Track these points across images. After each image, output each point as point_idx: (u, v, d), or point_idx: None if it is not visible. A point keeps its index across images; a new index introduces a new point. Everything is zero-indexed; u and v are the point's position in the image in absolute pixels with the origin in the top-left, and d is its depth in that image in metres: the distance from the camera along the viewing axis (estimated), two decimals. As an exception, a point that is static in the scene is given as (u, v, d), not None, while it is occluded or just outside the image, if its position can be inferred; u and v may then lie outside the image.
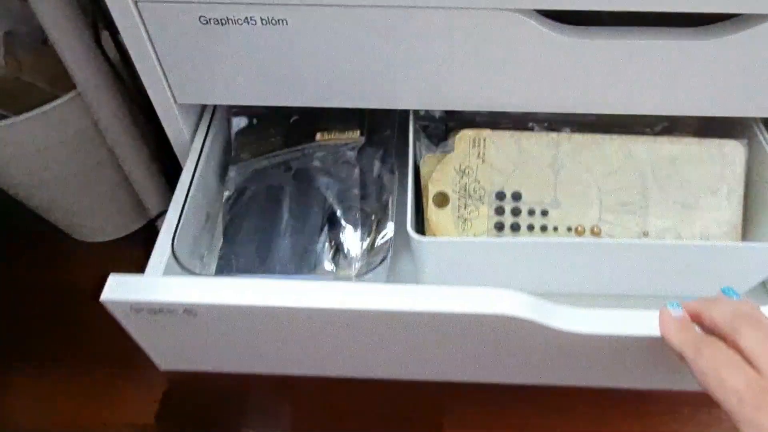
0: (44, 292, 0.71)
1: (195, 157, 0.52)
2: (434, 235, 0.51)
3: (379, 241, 0.46)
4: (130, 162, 0.72)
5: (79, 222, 0.81)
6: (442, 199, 0.51)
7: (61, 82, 0.63)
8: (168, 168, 0.63)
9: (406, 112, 0.54)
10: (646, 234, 0.51)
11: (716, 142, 0.52)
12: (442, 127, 0.59)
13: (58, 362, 0.62)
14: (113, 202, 0.81)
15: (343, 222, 0.48)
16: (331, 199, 0.49)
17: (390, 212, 0.48)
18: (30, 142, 0.63)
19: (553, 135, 0.52)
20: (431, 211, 0.51)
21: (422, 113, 0.58)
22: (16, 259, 0.76)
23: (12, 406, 0.60)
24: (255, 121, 0.58)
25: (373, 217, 0.48)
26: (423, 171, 0.53)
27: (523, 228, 0.51)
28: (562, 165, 0.51)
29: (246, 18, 0.43)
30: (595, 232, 0.51)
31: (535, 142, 0.52)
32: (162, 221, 0.47)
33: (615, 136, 0.52)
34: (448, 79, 0.46)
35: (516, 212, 0.51)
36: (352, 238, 0.47)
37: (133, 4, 0.42)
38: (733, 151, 0.51)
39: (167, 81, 0.48)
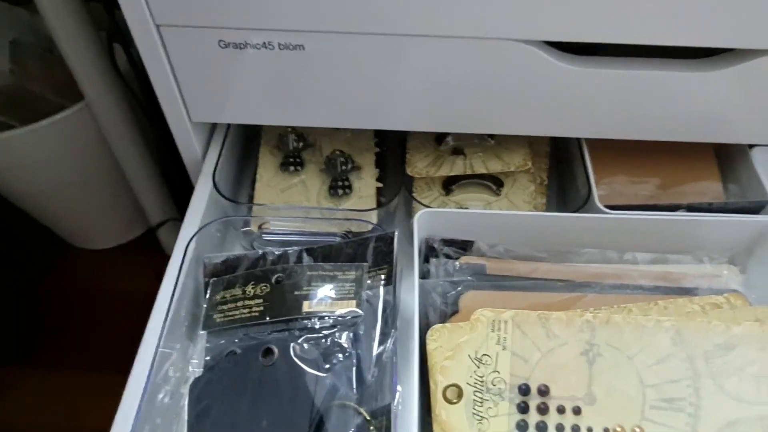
0: (46, 298, 0.73)
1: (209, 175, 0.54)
2: (444, 436, 0.42)
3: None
4: (134, 172, 0.75)
5: (79, 230, 0.83)
6: (454, 393, 0.42)
7: (68, 91, 0.65)
8: (170, 177, 0.63)
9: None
10: (697, 436, 0.42)
11: (782, 326, 0.43)
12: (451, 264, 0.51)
13: (61, 366, 0.63)
14: (114, 210, 0.83)
15: (332, 436, 0.39)
16: (319, 400, 0.40)
17: (393, 423, 0.38)
18: (36, 152, 0.63)
19: (588, 317, 0.43)
20: (440, 406, 0.42)
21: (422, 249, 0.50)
22: (18, 266, 0.77)
23: (16, 409, 0.61)
24: (228, 266, 0.49)
25: (371, 427, 0.39)
26: (430, 347, 0.44)
27: (551, 428, 0.42)
28: (598, 353, 0.43)
29: (264, 43, 0.46)
30: (637, 434, 0.42)
31: (566, 324, 0.43)
32: (163, 230, 0.43)
33: (662, 318, 0.43)
34: (457, 105, 0.50)
35: (543, 410, 0.42)
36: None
37: (154, 27, 0.44)
38: (802, 337, 0.43)
39: (183, 100, 0.50)
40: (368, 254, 0.48)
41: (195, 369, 0.46)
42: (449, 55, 0.46)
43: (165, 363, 0.45)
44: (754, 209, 0.52)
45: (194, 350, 0.47)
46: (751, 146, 0.56)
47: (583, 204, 0.52)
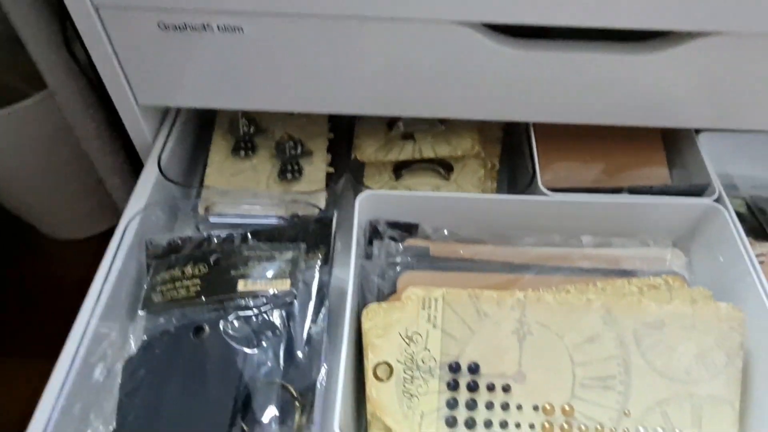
0: (17, 287, 0.73)
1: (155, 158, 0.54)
2: (373, 413, 0.42)
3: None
4: (100, 161, 0.75)
5: (50, 219, 0.83)
6: (384, 371, 0.43)
7: (36, 80, 0.65)
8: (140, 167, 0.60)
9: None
10: (627, 414, 0.43)
11: (712, 306, 0.43)
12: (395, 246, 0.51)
13: (26, 355, 0.62)
14: (85, 200, 0.83)
15: (257, 412, 0.39)
16: (247, 377, 0.40)
17: (317, 400, 0.39)
18: (1, 139, 0.64)
19: (519, 295, 0.43)
20: (371, 384, 0.43)
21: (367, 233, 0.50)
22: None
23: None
24: (172, 248, 0.49)
25: (297, 403, 0.40)
26: (365, 327, 0.44)
27: (481, 406, 0.43)
28: (529, 331, 0.43)
29: (203, 25, 0.46)
30: (567, 411, 0.43)
31: (497, 303, 0.43)
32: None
33: (592, 296, 0.43)
34: (403, 89, 0.50)
35: (472, 387, 0.43)
36: (268, 436, 0.38)
37: (93, 9, 0.45)
38: (731, 315, 0.43)
39: (128, 83, 0.51)
40: (308, 236, 0.48)
41: (133, 348, 0.46)
42: (389, 38, 0.46)
43: (102, 342, 0.45)
44: (696, 192, 0.52)
45: (134, 330, 0.47)
46: (697, 131, 0.56)
47: (527, 187, 0.52)
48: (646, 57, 0.48)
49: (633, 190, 0.52)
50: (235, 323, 0.42)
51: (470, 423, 0.42)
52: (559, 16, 0.44)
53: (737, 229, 0.49)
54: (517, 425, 0.42)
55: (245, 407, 0.40)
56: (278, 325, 0.42)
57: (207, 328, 0.42)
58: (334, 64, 0.49)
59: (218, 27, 0.46)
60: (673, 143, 0.58)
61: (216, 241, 0.50)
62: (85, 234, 0.89)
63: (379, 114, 0.55)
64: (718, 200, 0.51)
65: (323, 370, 0.40)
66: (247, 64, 0.49)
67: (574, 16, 0.44)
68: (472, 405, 0.43)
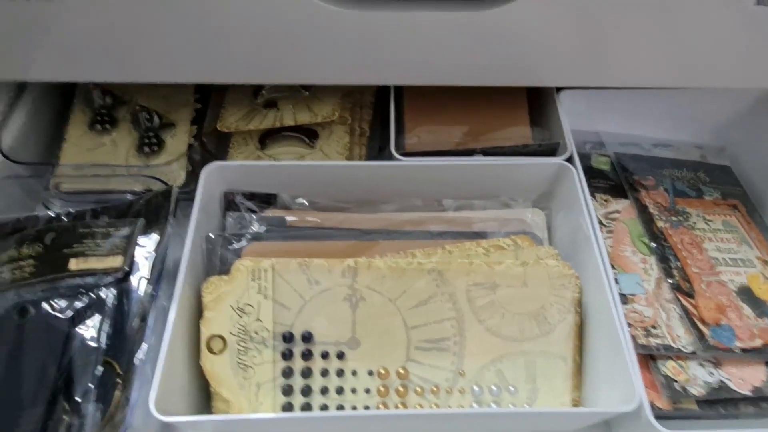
0: None
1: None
2: (212, 386, 0.42)
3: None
4: None
5: None
6: (218, 344, 0.43)
7: None
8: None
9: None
10: (462, 374, 0.43)
11: (542, 264, 0.44)
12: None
13: None
14: None
15: (76, 391, 0.38)
16: (69, 356, 0.39)
17: (134, 376, 0.38)
18: None
19: (350, 262, 0.43)
20: (204, 357, 0.42)
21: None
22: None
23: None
24: (16, 228, 0.48)
25: (118, 380, 0.39)
26: (205, 300, 0.44)
27: (316, 373, 0.43)
28: (361, 297, 0.43)
29: None
30: (402, 375, 0.43)
31: (328, 270, 0.43)
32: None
33: (423, 260, 0.43)
34: (253, 54, 0.48)
35: (306, 356, 0.43)
36: (84, 413, 0.38)
37: None
38: (562, 273, 0.44)
39: None
40: (150, 210, 0.47)
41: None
42: (237, 3, 0.45)
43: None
44: (548, 152, 0.52)
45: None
46: (558, 90, 0.56)
47: (380, 151, 0.52)
48: (496, 12, 0.47)
49: (486, 152, 0.52)
50: (62, 302, 0.41)
51: (306, 391, 0.43)
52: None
53: (583, 187, 0.49)
54: (353, 390, 0.43)
55: (67, 386, 0.39)
56: (107, 302, 0.42)
57: (32, 309, 0.41)
58: (191, 30, 0.47)
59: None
60: (537, 102, 0.58)
61: (64, 220, 0.49)
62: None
63: (239, 82, 0.54)
64: (570, 159, 0.51)
65: (145, 346, 0.39)
66: (95, 32, 0.46)
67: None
68: (307, 373, 0.43)
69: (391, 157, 0.53)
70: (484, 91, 0.56)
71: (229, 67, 0.51)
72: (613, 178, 0.57)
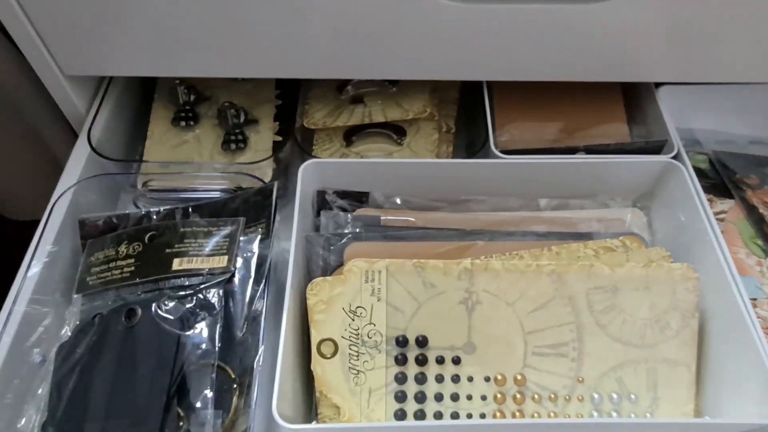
0: None
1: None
2: (320, 391, 0.41)
3: (241, 427, 0.36)
4: (48, 135, 0.71)
5: (9, 199, 0.80)
6: (329, 348, 0.41)
7: None
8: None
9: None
10: (581, 381, 0.42)
11: (665, 267, 0.42)
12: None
13: None
14: (44, 178, 0.73)
15: (192, 396, 0.37)
16: (181, 360, 0.38)
17: (254, 381, 0.37)
18: None
19: (466, 264, 0.41)
20: (315, 362, 0.41)
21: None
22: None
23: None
24: (108, 227, 0.46)
25: (234, 385, 0.38)
26: (309, 302, 0.42)
27: (431, 380, 0.41)
28: (477, 300, 0.41)
29: None
30: (519, 381, 0.41)
31: (444, 272, 0.41)
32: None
33: (543, 262, 0.42)
34: (343, 48, 0.47)
35: (421, 361, 0.41)
36: (202, 420, 0.37)
37: None
38: (686, 276, 0.42)
39: (50, 53, 0.48)
40: (249, 209, 0.46)
41: (68, 333, 0.44)
42: None
43: (38, 326, 0.43)
44: (654, 149, 0.50)
45: (70, 314, 0.45)
46: (657, 85, 0.54)
47: (480, 149, 0.50)
48: (598, 6, 0.45)
49: (589, 149, 0.50)
50: (169, 304, 0.40)
51: (420, 397, 0.41)
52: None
53: (696, 186, 0.47)
54: (469, 397, 0.41)
55: (181, 392, 0.38)
56: (215, 304, 0.40)
57: (139, 311, 0.40)
58: (276, 24, 0.45)
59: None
60: (634, 98, 0.56)
61: (155, 217, 0.48)
62: (40, 214, 0.86)
63: (327, 77, 0.52)
64: (676, 157, 0.49)
65: (261, 350, 0.38)
66: (180, 27, 0.46)
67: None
68: (421, 379, 0.41)
69: (486, 155, 0.51)
70: (575, 88, 0.54)
71: (317, 61, 0.50)
72: (713, 177, 0.55)
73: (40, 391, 0.41)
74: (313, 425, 0.37)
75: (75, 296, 0.44)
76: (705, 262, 0.44)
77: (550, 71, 0.51)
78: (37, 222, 0.59)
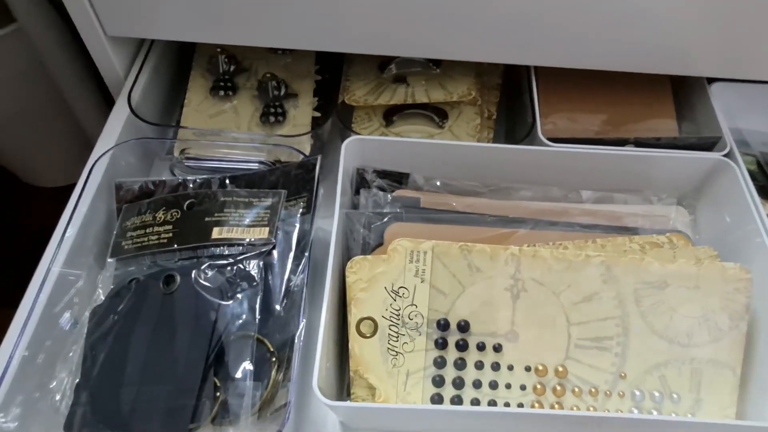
0: None
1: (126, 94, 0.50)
2: (356, 371, 0.40)
3: (279, 401, 0.35)
4: (76, 99, 0.71)
5: (28, 165, 0.80)
6: (368, 327, 0.40)
7: (2, 13, 0.62)
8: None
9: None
10: (623, 376, 0.40)
11: (718, 265, 0.40)
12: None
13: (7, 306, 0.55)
14: (66, 144, 0.80)
15: (230, 367, 0.36)
16: (220, 330, 0.37)
17: (294, 356, 0.36)
18: None
19: (514, 249, 0.40)
20: (353, 340, 0.40)
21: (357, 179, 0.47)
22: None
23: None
24: (144, 192, 0.46)
25: (273, 359, 0.37)
26: (349, 280, 0.41)
27: (470, 366, 0.40)
28: (523, 288, 0.40)
29: None
30: (560, 373, 0.40)
31: (491, 257, 0.40)
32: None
33: (592, 253, 0.40)
34: (388, 23, 0.47)
35: (461, 346, 0.40)
36: (240, 392, 0.36)
37: None
38: (738, 276, 0.40)
39: (95, 12, 0.47)
40: (290, 182, 0.45)
41: (102, 297, 0.43)
42: None
43: (70, 290, 0.42)
44: (706, 146, 0.49)
45: (103, 278, 0.44)
46: (710, 81, 0.53)
47: (526, 136, 0.49)
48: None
49: (639, 143, 0.49)
50: (209, 272, 0.39)
51: (458, 383, 0.40)
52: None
53: (748, 186, 0.46)
54: (508, 386, 0.40)
55: (218, 362, 0.37)
56: (255, 276, 0.39)
57: (178, 278, 0.39)
58: None
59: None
60: (683, 93, 0.55)
61: (192, 185, 0.47)
62: (68, 181, 0.86)
63: (370, 53, 0.51)
64: (728, 155, 0.48)
65: (302, 325, 0.37)
66: None
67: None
68: (461, 365, 0.40)
69: (531, 143, 0.50)
70: (622, 79, 0.53)
71: (360, 35, 0.48)
72: (760, 180, 0.53)
73: (71, 354, 0.40)
74: (354, 403, 0.36)
75: (109, 260, 0.44)
76: (754, 264, 0.43)
77: (598, 60, 0.50)
78: (57, 189, 0.58)
